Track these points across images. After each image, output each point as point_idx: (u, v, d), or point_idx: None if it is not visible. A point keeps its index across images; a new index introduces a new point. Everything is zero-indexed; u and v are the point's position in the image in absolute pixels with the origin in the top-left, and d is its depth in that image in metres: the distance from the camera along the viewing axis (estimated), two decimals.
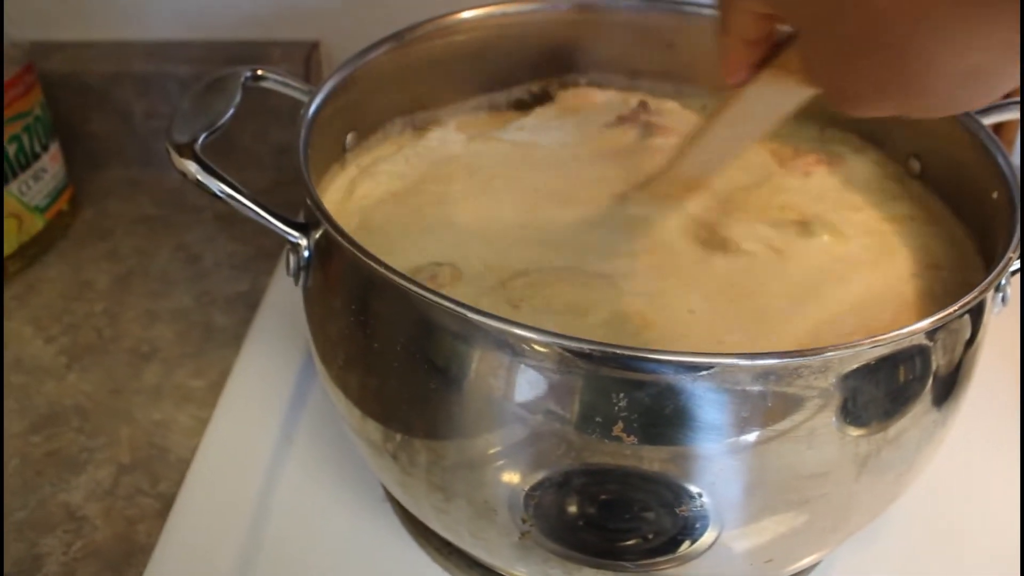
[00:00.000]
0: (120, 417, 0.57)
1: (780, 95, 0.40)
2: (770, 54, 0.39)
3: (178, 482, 0.52)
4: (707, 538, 0.39)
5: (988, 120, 0.48)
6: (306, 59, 0.75)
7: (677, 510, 0.37)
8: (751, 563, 0.41)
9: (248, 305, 0.65)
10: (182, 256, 0.71)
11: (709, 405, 0.34)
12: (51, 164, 0.70)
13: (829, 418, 0.36)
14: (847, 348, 0.35)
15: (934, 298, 0.45)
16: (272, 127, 0.77)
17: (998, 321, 0.45)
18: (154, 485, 0.53)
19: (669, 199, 0.49)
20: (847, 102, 0.32)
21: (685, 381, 0.34)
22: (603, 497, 0.38)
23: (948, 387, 0.40)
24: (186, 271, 0.69)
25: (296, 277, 0.43)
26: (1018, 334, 0.62)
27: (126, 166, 0.80)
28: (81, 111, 0.77)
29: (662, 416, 0.34)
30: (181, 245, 0.72)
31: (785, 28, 0.38)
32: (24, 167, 0.67)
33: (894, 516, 0.51)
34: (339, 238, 0.38)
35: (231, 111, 0.46)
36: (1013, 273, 0.44)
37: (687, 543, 0.39)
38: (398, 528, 0.50)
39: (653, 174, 0.50)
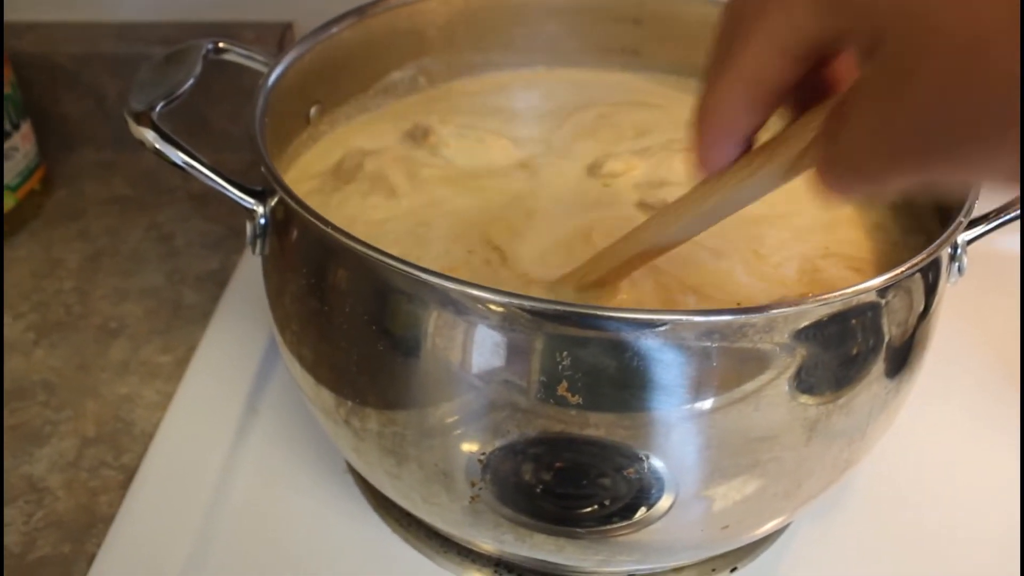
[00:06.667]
0: (86, 392, 0.57)
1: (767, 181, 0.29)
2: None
3: (142, 455, 0.52)
4: (662, 504, 0.39)
5: None
6: (279, 40, 0.75)
7: (626, 473, 0.37)
8: (707, 529, 0.41)
9: (218, 283, 0.65)
10: (154, 236, 0.71)
11: (655, 364, 0.34)
12: (23, 143, 0.70)
13: (778, 379, 0.36)
14: (796, 306, 0.35)
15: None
16: (247, 108, 0.77)
17: (956, 292, 0.45)
18: (117, 457, 0.53)
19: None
20: (884, 159, 0.23)
21: (631, 339, 0.34)
22: (552, 462, 0.38)
23: (902, 355, 0.40)
24: (157, 250, 0.69)
25: (253, 245, 0.43)
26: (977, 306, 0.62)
27: (99, 147, 0.80)
28: (53, 92, 0.76)
29: (607, 375, 0.34)
30: (153, 225, 0.72)
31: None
32: None
33: (856, 487, 0.51)
34: (290, 201, 0.38)
35: (191, 81, 0.46)
36: (969, 242, 0.44)
37: (642, 509, 0.39)
38: (360, 500, 0.50)
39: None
